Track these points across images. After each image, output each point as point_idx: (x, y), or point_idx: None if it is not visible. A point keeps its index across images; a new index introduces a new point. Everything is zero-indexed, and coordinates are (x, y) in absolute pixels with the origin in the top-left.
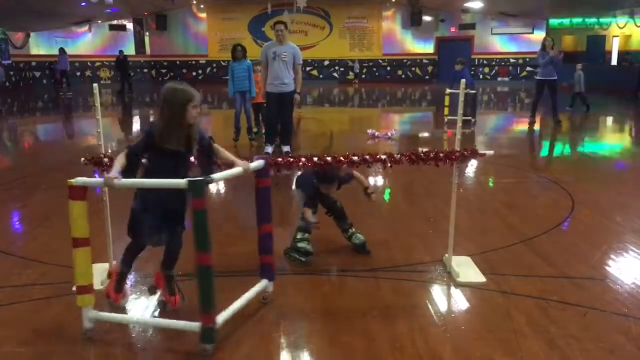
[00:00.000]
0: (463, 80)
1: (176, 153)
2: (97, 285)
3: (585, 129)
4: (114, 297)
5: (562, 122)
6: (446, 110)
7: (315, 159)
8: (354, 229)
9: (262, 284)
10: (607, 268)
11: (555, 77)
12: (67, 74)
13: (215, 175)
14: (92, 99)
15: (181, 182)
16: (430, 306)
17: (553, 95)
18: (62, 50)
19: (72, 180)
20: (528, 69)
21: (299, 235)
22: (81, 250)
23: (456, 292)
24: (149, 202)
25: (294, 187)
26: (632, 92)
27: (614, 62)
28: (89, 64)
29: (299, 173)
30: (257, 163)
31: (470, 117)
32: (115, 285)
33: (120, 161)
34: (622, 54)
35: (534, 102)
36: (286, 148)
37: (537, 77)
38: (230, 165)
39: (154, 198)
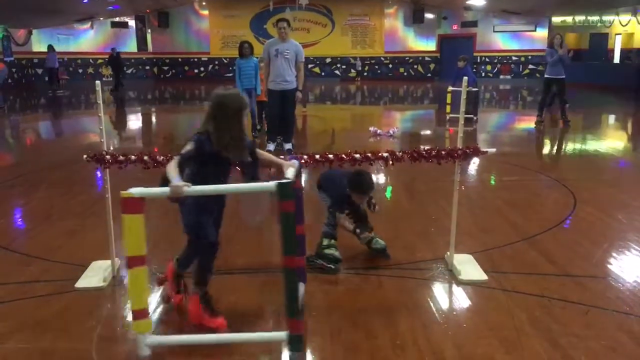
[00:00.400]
0: (465, 78)
1: (223, 159)
2: (100, 282)
3: (587, 127)
4: (176, 299)
5: (571, 121)
6: (448, 108)
7: (317, 156)
8: (374, 234)
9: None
10: (609, 266)
11: (564, 76)
12: (57, 72)
13: (290, 176)
14: (94, 96)
15: (270, 184)
16: (432, 304)
17: (561, 94)
18: (50, 47)
19: (129, 191)
20: (530, 66)
21: (325, 242)
22: (137, 270)
23: (458, 290)
24: (203, 205)
25: (318, 188)
26: (634, 90)
27: (617, 60)
28: (91, 61)
29: (324, 172)
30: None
31: (472, 115)
32: (174, 287)
33: (174, 169)
34: (624, 52)
35: (542, 101)
36: (288, 146)
37: (545, 76)
38: (278, 167)
39: (205, 203)
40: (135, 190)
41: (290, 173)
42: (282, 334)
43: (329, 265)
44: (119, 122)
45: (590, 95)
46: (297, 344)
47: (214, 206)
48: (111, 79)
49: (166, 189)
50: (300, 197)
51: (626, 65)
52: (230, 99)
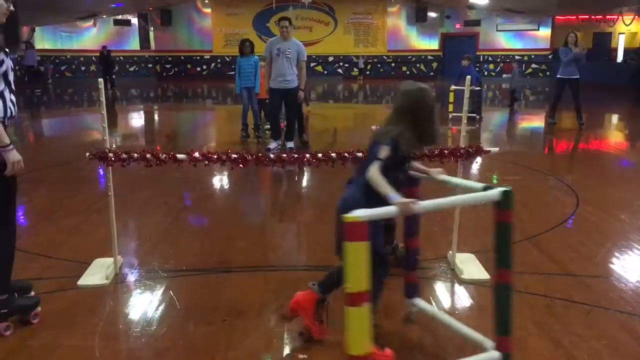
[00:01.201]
0: (468, 77)
1: (406, 161)
2: (103, 279)
3: (589, 127)
4: (318, 331)
5: (584, 123)
6: (451, 107)
7: (320, 155)
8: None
9: (413, 302)
10: (611, 266)
11: (578, 76)
12: (34, 70)
13: (442, 178)
14: (98, 94)
15: (494, 193)
16: (434, 303)
17: (575, 95)
18: (29, 44)
19: (353, 214)
20: (533, 65)
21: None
22: (360, 309)
23: (460, 289)
24: (376, 225)
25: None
26: (635, 89)
27: (620, 59)
28: (93, 58)
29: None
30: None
31: (475, 114)
32: (316, 316)
33: (383, 181)
34: (628, 51)
35: (554, 102)
36: (290, 144)
37: (558, 76)
38: (423, 171)
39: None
40: (361, 213)
41: (441, 177)
42: (494, 354)
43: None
44: (111, 123)
45: (592, 94)
46: None
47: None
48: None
49: (393, 209)
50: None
51: (628, 64)
52: (428, 93)
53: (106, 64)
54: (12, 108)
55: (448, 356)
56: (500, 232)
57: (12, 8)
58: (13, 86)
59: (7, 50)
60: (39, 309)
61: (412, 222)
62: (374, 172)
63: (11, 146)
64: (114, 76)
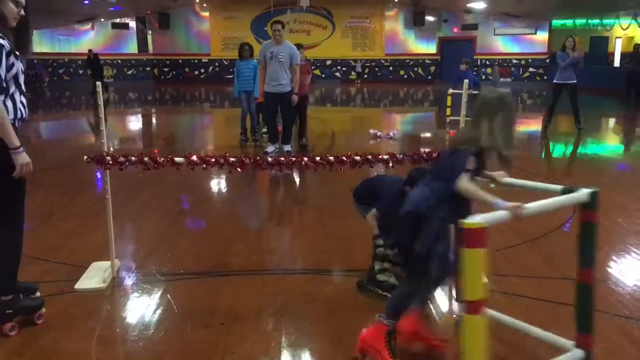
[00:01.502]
0: (466, 81)
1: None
2: (100, 283)
3: (586, 130)
4: None
5: (583, 128)
6: (448, 111)
7: (318, 158)
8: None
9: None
10: (609, 270)
11: (575, 81)
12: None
13: (507, 180)
14: (96, 97)
15: (582, 194)
16: (431, 306)
17: (573, 99)
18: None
19: (473, 219)
20: (531, 69)
21: (377, 266)
22: (477, 318)
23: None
24: (445, 230)
25: (357, 200)
26: (626, 92)
27: (617, 63)
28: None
29: (368, 182)
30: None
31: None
32: (389, 349)
33: (480, 190)
34: (624, 55)
35: (551, 107)
36: (287, 147)
37: (555, 81)
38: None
39: (450, 222)
40: (482, 218)
41: (506, 180)
42: (577, 352)
43: (383, 293)
44: (108, 126)
45: (589, 98)
46: None
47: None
48: (112, 80)
49: (504, 214)
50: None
51: (625, 68)
52: (508, 99)
53: (94, 68)
54: (23, 110)
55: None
56: (586, 232)
57: (22, 13)
58: (23, 88)
59: (17, 53)
60: (44, 310)
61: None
62: (467, 184)
63: (21, 148)
64: (104, 80)
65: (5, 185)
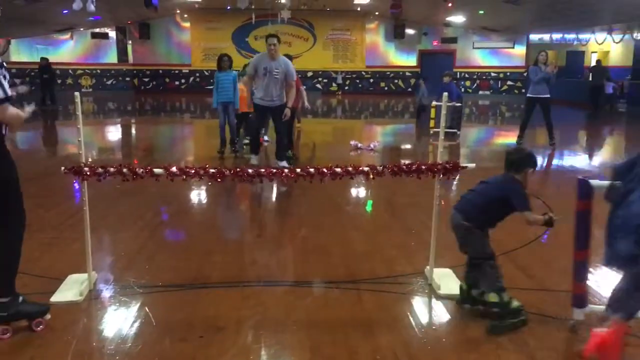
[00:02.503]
0: (445, 94)
1: None
2: (77, 296)
3: (564, 144)
4: None
5: (556, 143)
6: (432, 123)
7: (298, 170)
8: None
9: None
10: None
11: (549, 95)
12: None
13: None
14: (74, 108)
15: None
16: (411, 318)
17: (546, 114)
18: None
19: None
20: (509, 82)
21: (504, 298)
22: None
23: (437, 304)
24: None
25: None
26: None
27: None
28: (70, 71)
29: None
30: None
31: (455, 130)
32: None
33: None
34: (584, 69)
35: (524, 122)
36: (282, 163)
37: (528, 95)
38: None
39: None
40: None
41: None
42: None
43: (520, 319)
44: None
45: (565, 112)
46: None
47: None
48: (91, 89)
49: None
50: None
51: (588, 82)
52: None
53: (45, 77)
54: None
55: None
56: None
57: None
58: None
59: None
60: (48, 316)
61: (582, 235)
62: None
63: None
64: (54, 89)
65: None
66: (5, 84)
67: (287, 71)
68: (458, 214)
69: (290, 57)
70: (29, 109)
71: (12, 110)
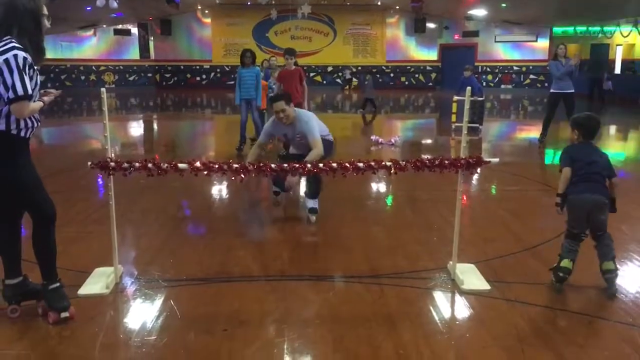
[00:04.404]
0: (469, 88)
1: None
2: (103, 289)
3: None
4: None
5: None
6: (454, 117)
7: (321, 165)
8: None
9: None
10: None
11: (573, 90)
12: None
13: None
14: (98, 103)
15: None
16: (434, 313)
17: (570, 110)
18: None
19: None
20: (531, 76)
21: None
22: None
23: (460, 300)
24: None
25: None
26: (630, 100)
27: (617, 70)
28: (93, 68)
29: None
30: None
31: (477, 125)
32: None
33: None
34: (625, 63)
35: (547, 119)
36: (311, 204)
37: (552, 90)
38: None
39: None
40: None
41: None
42: None
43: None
44: (74, 138)
45: (589, 105)
46: None
47: None
48: (114, 86)
49: None
50: None
51: (627, 76)
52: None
53: None
54: (34, 120)
55: None
56: None
57: (49, 25)
58: (37, 99)
59: (35, 67)
60: (67, 314)
61: None
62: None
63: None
64: None
65: (17, 183)
66: (27, 82)
67: (307, 132)
68: (598, 195)
69: (293, 52)
70: (55, 92)
71: (32, 106)
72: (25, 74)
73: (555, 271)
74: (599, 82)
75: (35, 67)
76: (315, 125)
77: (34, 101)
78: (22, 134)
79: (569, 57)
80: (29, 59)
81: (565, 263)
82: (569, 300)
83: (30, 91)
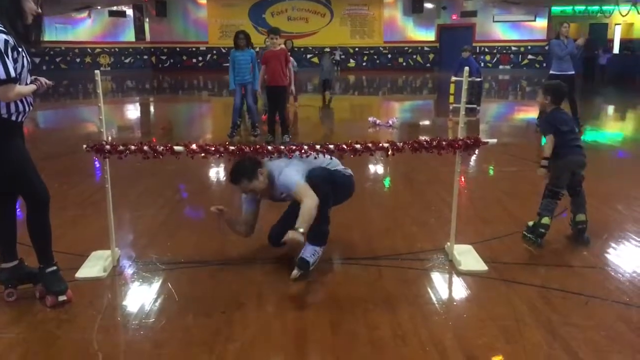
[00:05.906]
0: (467, 69)
1: None
2: (101, 272)
3: (584, 118)
4: None
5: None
6: (451, 98)
7: (318, 146)
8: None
9: None
10: (608, 256)
11: (573, 72)
12: None
13: None
14: (93, 86)
15: None
16: (432, 294)
17: (571, 94)
18: None
19: None
20: (530, 57)
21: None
22: None
23: (458, 281)
24: None
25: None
26: (631, 80)
27: (616, 50)
28: (88, 50)
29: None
30: None
31: (475, 105)
32: None
33: None
34: (624, 42)
35: None
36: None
37: (552, 72)
38: None
39: None
40: None
41: None
42: None
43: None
44: (69, 121)
45: (586, 86)
46: None
47: None
48: (109, 68)
49: None
50: None
51: (624, 55)
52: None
53: None
54: (26, 104)
55: None
56: None
57: (39, 10)
58: (28, 82)
59: (19, 49)
60: (65, 297)
61: None
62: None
63: (34, 87)
64: None
65: (9, 167)
66: (10, 65)
67: (286, 186)
68: (583, 156)
69: (278, 31)
70: (48, 82)
71: (18, 89)
72: (7, 57)
73: (537, 228)
74: (594, 60)
75: (20, 49)
76: (293, 171)
77: (26, 84)
78: (14, 118)
79: (571, 36)
80: (11, 41)
81: (546, 220)
82: (566, 281)
83: (13, 74)
